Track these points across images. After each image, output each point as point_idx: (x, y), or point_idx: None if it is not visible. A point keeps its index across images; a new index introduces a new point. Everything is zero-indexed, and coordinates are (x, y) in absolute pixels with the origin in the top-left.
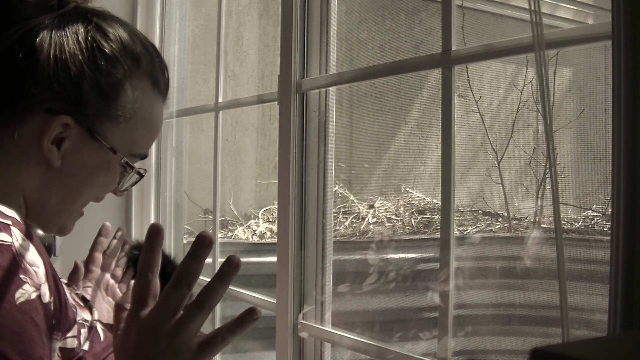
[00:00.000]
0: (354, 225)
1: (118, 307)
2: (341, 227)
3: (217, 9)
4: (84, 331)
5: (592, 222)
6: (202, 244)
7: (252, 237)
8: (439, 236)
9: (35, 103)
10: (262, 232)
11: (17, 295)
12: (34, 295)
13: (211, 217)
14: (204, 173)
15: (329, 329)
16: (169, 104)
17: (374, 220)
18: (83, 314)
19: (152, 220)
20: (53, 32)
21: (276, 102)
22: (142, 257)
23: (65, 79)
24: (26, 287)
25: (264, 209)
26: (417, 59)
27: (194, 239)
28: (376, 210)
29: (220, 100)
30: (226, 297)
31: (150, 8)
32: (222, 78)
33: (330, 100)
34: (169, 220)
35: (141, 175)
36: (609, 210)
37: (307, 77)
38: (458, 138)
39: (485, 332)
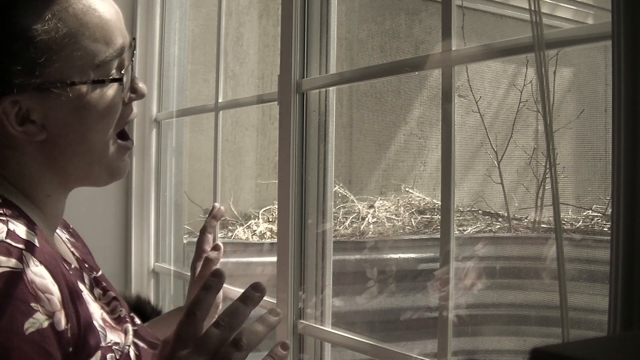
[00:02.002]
0: (354, 225)
1: (165, 343)
2: (341, 227)
3: (217, 9)
4: (110, 356)
5: (592, 222)
6: (256, 290)
7: (252, 237)
8: (439, 236)
9: None
10: (262, 232)
11: (26, 325)
12: (45, 324)
13: None
14: (204, 173)
15: (329, 329)
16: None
17: (374, 220)
18: (113, 336)
19: (152, 221)
20: None
21: (276, 102)
22: (196, 295)
23: None
24: (37, 315)
25: (264, 209)
26: (417, 59)
27: (249, 285)
28: (376, 210)
29: (220, 100)
30: (227, 298)
31: (150, 8)
32: (222, 78)
33: (330, 100)
34: (169, 220)
35: (119, 79)
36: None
37: (307, 77)
38: (458, 138)
39: (485, 332)
